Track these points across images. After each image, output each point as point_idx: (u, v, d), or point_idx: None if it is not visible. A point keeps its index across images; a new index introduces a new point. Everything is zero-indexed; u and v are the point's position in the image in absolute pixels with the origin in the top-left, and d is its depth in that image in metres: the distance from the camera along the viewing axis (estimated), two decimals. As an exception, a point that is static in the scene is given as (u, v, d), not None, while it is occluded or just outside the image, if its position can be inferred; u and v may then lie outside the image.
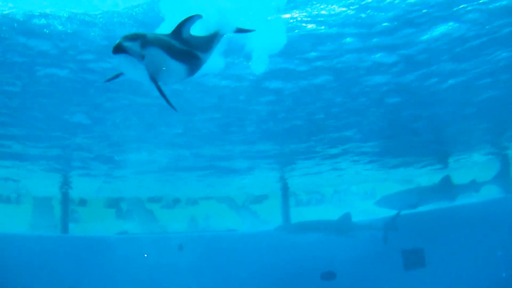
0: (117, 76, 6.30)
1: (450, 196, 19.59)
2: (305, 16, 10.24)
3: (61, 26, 9.85)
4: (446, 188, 19.69)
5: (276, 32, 8.61)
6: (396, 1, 9.79)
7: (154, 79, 5.82)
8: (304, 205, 29.34)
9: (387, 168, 22.54)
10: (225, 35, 7.13)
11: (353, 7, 10.00)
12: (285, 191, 24.12)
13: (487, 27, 10.62)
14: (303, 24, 10.43)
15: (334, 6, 9.97)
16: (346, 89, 13.21)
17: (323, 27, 10.54)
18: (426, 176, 24.23)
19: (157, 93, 5.83)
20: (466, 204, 19.93)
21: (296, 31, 10.48)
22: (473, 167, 23.20)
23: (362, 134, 16.73)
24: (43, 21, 9.66)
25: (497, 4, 9.86)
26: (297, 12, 10.08)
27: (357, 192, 28.40)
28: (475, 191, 19.65)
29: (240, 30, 7.13)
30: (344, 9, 10.07)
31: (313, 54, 11.47)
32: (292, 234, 19.34)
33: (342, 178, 24.09)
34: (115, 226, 25.13)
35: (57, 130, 14.57)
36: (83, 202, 25.75)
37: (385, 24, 10.44)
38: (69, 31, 9.97)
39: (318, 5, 9.94)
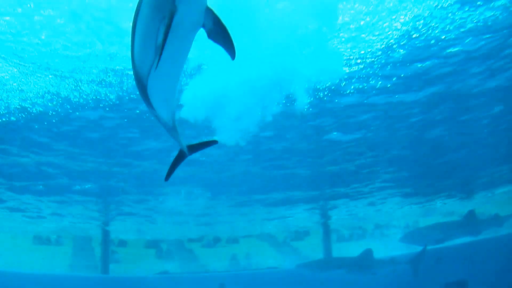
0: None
1: (474, 231, 19.23)
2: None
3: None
4: (471, 222, 19.32)
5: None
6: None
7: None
8: (345, 241, 29.08)
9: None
10: None
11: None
12: (326, 227, 23.96)
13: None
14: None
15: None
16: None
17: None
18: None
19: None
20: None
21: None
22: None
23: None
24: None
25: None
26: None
27: (398, 226, 28.02)
28: (499, 225, 19.30)
29: None
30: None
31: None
32: (314, 272, 18.91)
33: (382, 213, 23.95)
34: (155, 266, 25.31)
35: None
36: (123, 243, 25.94)
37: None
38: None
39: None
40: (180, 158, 6.68)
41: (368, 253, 18.83)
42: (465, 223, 19.49)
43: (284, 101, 11.33)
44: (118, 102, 11.00)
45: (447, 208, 23.93)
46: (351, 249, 20.97)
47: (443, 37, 9.64)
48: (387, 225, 28.38)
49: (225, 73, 9.69)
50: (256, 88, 10.13)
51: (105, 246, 21.60)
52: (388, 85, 11.30)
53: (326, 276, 18.69)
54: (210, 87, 9.98)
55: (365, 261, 18.63)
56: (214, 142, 6.83)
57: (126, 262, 25.04)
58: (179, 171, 14.66)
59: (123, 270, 24.29)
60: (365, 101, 11.86)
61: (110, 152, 13.52)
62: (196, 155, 13.85)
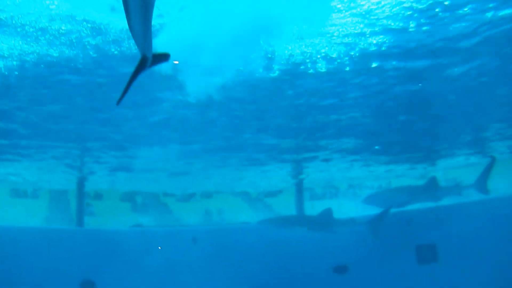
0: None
1: (435, 197, 19.57)
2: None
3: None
4: (432, 189, 19.65)
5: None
6: None
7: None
8: (318, 199, 29.35)
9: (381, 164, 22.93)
10: None
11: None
12: (300, 185, 24.14)
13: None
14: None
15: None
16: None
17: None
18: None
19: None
20: (481, 200, 19.93)
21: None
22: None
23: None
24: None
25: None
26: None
27: (371, 187, 28.35)
28: (458, 194, 19.67)
29: None
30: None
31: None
32: (275, 228, 19.15)
33: (354, 174, 24.26)
34: (130, 219, 25.38)
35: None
36: (98, 196, 25.95)
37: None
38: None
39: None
40: (140, 67, 5.76)
41: (327, 212, 19.12)
42: (427, 189, 19.79)
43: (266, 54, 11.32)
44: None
45: (420, 172, 24.29)
46: (323, 207, 21.15)
47: None
48: (359, 185, 28.76)
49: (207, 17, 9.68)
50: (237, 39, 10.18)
51: (80, 199, 21.60)
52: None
53: (289, 232, 18.97)
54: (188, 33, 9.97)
55: (325, 220, 18.91)
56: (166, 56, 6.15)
57: (101, 215, 25.12)
58: (154, 127, 14.67)
59: (98, 223, 24.39)
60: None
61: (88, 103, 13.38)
62: (172, 112, 13.90)
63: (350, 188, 29.37)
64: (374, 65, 12.20)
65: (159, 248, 19.31)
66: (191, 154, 18.81)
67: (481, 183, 19.56)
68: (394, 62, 12.10)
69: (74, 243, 18.77)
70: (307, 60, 11.69)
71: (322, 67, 12.07)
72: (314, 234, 18.87)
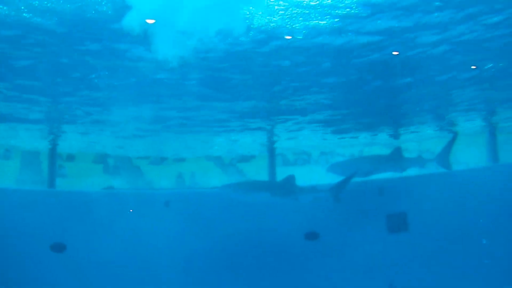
0: None
1: (399, 168, 19.79)
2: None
3: None
4: (396, 159, 19.86)
5: None
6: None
7: None
8: (290, 165, 29.55)
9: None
10: None
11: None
12: (272, 151, 24.23)
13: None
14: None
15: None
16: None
17: None
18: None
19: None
20: (451, 171, 20.28)
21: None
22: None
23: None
24: None
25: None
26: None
27: (343, 154, 28.62)
28: (422, 166, 19.96)
29: None
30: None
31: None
32: (238, 193, 18.95)
33: (326, 141, 24.46)
34: (102, 181, 25.32)
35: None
36: (70, 158, 25.79)
37: None
38: None
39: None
40: None
41: (290, 179, 19.07)
42: (390, 159, 19.99)
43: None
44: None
45: (391, 141, 24.56)
46: (295, 174, 21.27)
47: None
48: (331, 153, 29.01)
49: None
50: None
51: (52, 160, 21.44)
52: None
53: (257, 198, 18.86)
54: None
55: (287, 186, 18.88)
56: None
57: (73, 177, 25.02)
58: (127, 89, 14.54)
59: (69, 184, 24.29)
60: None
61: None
62: (145, 74, 13.77)
63: (322, 155, 29.60)
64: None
65: (131, 210, 19.29)
66: (164, 118, 18.71)
67: (443, 157, 19.88)
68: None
69: (44, 204, 18.67)
70: (287, 26, 11.61)
71: (299, 34, 12.01)
72: (286, 201, 18.98)
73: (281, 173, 22.83)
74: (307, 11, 10.94)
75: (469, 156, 22.50)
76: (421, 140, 24.91)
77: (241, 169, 30.17)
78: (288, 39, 12.24)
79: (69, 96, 15.72)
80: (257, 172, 24.92)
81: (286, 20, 11.35)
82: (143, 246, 18.81)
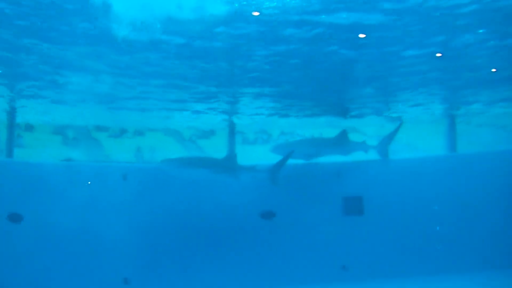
0: None
1: (344, 151, 20.08)
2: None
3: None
4: (341, 142, 20.12)
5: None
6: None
7: None
8: (250, 144, 29.67)
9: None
10: None
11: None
12: (232, 128, 24.29)
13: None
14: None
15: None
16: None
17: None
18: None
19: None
20: (409, 158, 20.76)
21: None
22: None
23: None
24: None
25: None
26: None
27: (303, 134, 28.85)
28: (365, 151, 20.35)
29: None
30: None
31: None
32: (177, 169, 19.09)
33: (287, 121, 24.67)
34: (61, 153, 25.09)
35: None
36: (29, 128, 25.44)
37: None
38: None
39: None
40: None
41: (231, 156, 19.46)
42: (335, 143, 20.23)
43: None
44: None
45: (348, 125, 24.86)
46: (255, 152, 21.48)
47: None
48: (292, 133, 29.23)
49: None
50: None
51: (10, 129, 21.11)
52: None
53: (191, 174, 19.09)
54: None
55: (228, 164, 19.11)
56: None
57: (31, 147, 24.73)
58: (87, 58, 14.38)
59: (28, 155, 24.02)
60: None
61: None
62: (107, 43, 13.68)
63: (282, 135, 29.80)
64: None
65: (89, 183, 19.22)
66: (124, 90, 18.62)
67: (383, 146, 20.28)
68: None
69: (2, 175, 18.47)
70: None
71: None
72: (241, 179, 19.16)
73: (240, 152, 23.01)
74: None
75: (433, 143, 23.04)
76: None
77: (200, 146, 30.19)
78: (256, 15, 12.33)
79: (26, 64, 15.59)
80: (217, 149, 24.92)
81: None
82: (99, 218, 18.73)
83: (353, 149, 20.23)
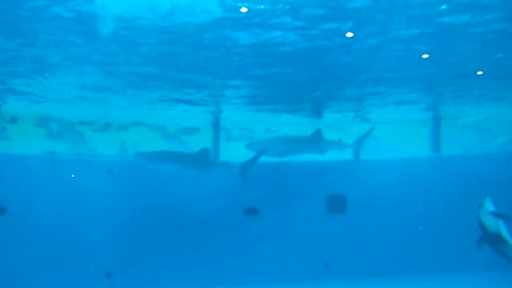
0: None
1: (319, 150, 20.15)
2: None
3: None
4: (316, 141, 20.19)
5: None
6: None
7: None
8: (235, 141, 29.62)
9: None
10: None
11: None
12: (217, 125, 24.28)
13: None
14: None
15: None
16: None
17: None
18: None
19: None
20: (393, 158, 20.91)
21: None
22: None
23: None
24: None
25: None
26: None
27: (288, 133, 28.85)
28: (340, 150, 20.48)
29: None
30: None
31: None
32: (149, 162, 19.00)
33: (272, 118, 24.72)
34: (44, 145, 24.92)
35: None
36: (13, 120, 25.19)
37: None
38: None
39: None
40: None
41: (204, 151, 19.23)
42: (310, 141, 20.31)
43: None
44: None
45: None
46: (239, 149, 21.47)
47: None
48: (277, 131, 29.26)
49: None
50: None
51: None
52: None
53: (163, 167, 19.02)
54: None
55: (200, 159, 18.97)
56: None
57: (15, 139, 24.52)
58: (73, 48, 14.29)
59: (11, 147, 23.87)
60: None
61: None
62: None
63: (267, 133, 29.80)
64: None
65: (72, 176, 19.14)
66: (109, 84, 18.55)
67: (356, 146, 20.43)
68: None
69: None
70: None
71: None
72: (198, 173, 19.16)
73: (225, 148, 23.06)
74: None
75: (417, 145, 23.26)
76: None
77: (184, 141, 30.10)
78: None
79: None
80: (201, 145, 24.89)
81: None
82: (83, 211, 18.67)
83: (327, 148, 20.34)
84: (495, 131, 28.37)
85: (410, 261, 19.93)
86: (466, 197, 20.01)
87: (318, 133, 20.36)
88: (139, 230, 19.16)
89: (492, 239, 12.81)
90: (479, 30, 13.35)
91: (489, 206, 12.88)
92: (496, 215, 12.65)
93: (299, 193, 20.13)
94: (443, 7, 11.88)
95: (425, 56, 15.39)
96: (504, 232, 12.78)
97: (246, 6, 11.81)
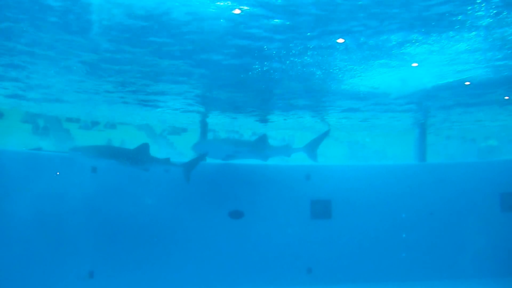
0: None
1: (263, 155, 20.18)
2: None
3: None
4: (261, 146, 20.23)
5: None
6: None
7: None
8: (221, 143, 29.64)
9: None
10: None
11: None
12: (204, 126, 24.26)
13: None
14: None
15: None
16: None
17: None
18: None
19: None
20: (380, 164, 20.98)
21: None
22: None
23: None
24: None
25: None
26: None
27: (275, 137, 28.96)
28: (287, 155, 20.48)
29: None
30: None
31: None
32: (86, 157, 18.11)
33: (258, 122, 24.77)
34: (30, 142, 24.74)
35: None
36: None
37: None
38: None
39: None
40: None
41: (144, 148, 18.59)
42: (255, 145, 20.30)
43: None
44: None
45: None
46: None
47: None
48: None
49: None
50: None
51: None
52: None
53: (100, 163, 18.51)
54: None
55: (139, 155, 18.38)
56: None
57: (0, 135, 24.39)
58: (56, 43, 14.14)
59: (-4, 142, 23.76)
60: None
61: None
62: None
63: (254, 136, 29.87)
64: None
65: (57, 173, 18.95)
66: (95, 83, 18.46)
67: (311, 148, 20.43)
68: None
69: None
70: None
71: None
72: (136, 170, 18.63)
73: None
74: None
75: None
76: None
77: (171, 142, 30.14)
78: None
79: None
80: (188, 146, 24.88)
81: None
82: (66, 209, 18.43)
83: (272, 154, 20.27)
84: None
85: (394, 268, 19.97)
86: (451, 204, 20.35)
87: (263, 139, 20.30)
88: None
89: None
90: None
91: None
92: None
93: (282, 197, 20.10)
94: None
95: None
96: None
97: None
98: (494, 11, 11.53)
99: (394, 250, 20.12)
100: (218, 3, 11.37)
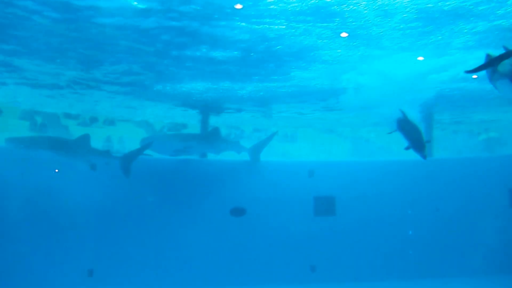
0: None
1: (215, 149, 19.89)
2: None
3: None
4: (213, 140, 19.84)
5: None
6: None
7: None
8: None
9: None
10: None
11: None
12: (205, 123, 23.98)
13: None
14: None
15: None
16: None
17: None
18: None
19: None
20: (385, 160, 20.71)
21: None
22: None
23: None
24: None
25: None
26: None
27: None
28: (237, 152, 20.15)
29: None
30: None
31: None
32: (20, 148, 17.71)
33: (258, 119, 24.54)
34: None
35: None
36: (-3, 112, 24.79)
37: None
38: None
39: None
40: None
41: (84, 139, 18.19)
42: (206, 139, 20.05)
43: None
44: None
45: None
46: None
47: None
48: (265, 130, 29.13)
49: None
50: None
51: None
52: None
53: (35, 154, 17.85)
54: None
55: (80, 146, 18.01)
56: None
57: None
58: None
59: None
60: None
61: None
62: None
63: (255, 132, 29.73)
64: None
65: (56, 171, 18.69)
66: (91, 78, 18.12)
67: (255, 151, 20.08)
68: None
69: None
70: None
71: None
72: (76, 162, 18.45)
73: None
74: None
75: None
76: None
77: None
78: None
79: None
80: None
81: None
82: (66, 204, 18.25)
83: (224, 148, 19.92)
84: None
85: (401, 265, 19.68)
86: (458, 200, 20.06)
87: (215, 132, 19.92)
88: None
89: None
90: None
91: None
92: None
93: (286, 194, 19.85)
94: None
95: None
96: None
97: None
98: None
99: (401, 247, 19.82)
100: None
